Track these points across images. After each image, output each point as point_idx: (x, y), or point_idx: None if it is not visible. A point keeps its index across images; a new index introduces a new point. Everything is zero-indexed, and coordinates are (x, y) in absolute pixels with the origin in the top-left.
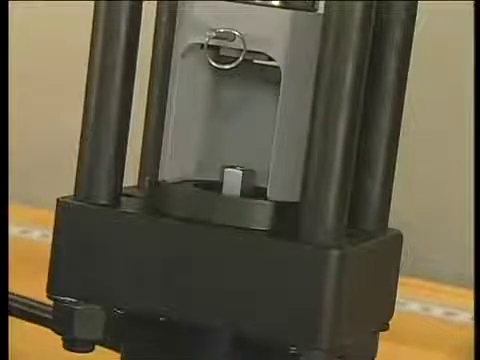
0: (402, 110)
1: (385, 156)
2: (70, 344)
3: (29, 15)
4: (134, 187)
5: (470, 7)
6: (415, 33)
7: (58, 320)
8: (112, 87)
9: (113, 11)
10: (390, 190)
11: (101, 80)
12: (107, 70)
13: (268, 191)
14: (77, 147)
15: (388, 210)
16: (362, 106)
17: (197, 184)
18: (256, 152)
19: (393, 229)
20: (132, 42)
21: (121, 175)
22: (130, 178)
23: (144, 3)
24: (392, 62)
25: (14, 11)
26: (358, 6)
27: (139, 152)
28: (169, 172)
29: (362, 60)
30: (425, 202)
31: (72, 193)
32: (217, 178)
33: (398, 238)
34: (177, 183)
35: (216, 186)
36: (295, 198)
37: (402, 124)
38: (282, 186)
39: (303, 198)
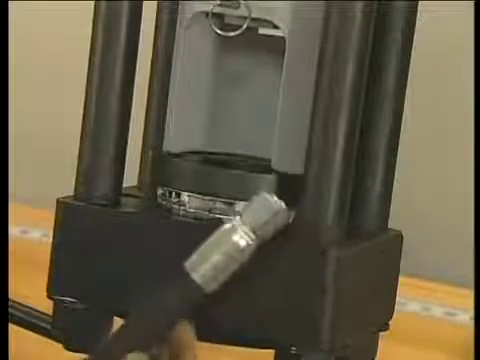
0: (402, 110)
1: (385, 156)
2: (70, 344)
3: (29, 16)
4: (134, 187)
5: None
6: (415, 33)
7: (58, 320)
8: (112, 87)
9: (113, 11)
10: (390, 190)
11: (101, 80)
12: (107, 70)
13: (272, 162)
14: (77, 147)
15: (388, 210)
16: (362, 106)
17: (201, 156)
18: (261, 123)
19: (393, 229)
20: (132, 42)
21: (121, 175)
22: (130, 178)
23: (144, 3)
24: (392, 62)
25: (14, 12)
26: (359, 6)
27: (139, 152)
28: (173, 144)
29: (362, 60)
30: (425, 202)
31: (72, 193)
32: (221, 150)
33: (398, 238)
34: (181, 155)
35: (220, 159)
36: (299, 170)
37: (402, 124)
38: (286, 157)
39: (303, 198)
